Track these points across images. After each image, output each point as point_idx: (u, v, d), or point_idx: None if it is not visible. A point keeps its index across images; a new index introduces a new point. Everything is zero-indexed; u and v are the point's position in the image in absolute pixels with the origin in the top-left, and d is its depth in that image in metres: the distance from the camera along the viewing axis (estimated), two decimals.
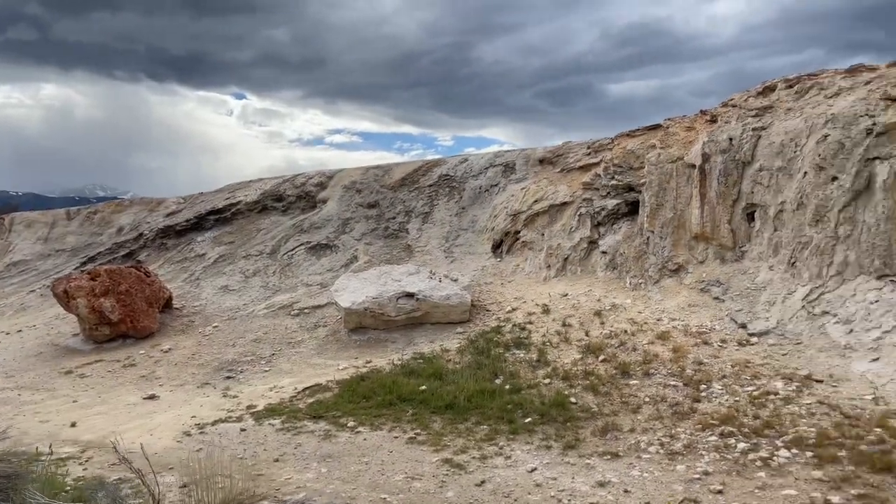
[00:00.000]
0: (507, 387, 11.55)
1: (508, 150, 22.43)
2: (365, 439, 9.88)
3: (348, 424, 10.50)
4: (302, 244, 21.25)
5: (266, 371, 14.37)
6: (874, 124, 12.78)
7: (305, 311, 17.44)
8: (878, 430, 8.35)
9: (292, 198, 23.90)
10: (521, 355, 12.99)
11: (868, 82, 14.16)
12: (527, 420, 10.15)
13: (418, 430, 10.08)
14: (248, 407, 11.81)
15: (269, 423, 10.77)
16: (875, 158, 12.51)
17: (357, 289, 15.87)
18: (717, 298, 13.81)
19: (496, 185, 21.06)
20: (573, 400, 10.70)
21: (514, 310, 15.55)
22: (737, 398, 9.96)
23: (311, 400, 11.93)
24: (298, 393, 12.41)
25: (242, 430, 10.57)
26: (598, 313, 14.38)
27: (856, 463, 7.58)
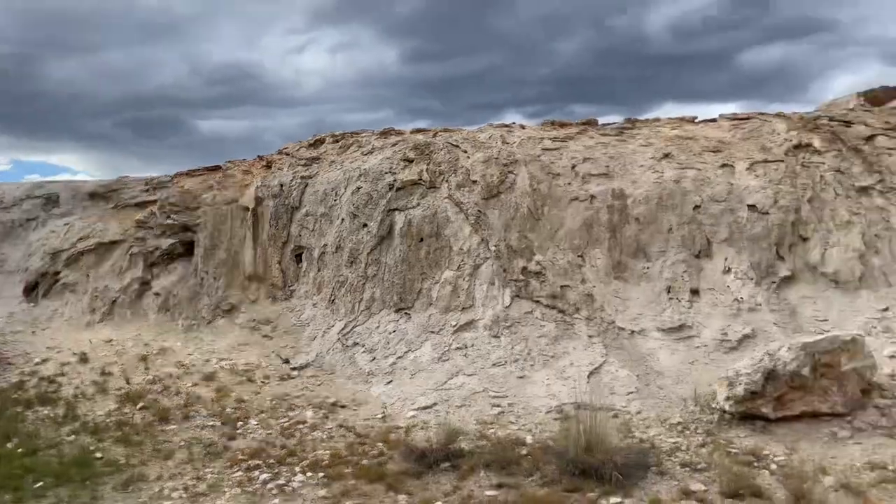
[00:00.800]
0: (21, 450, 10.02)
1: (52, 182, 20.02)
2: None
3: None
4: None
5: None
6: (395, 180, 14.99)
7: None
8: (381, 444, 9.57)
9: None
10: (46, 412, 11.47)
11: (395, 144, 16.58)
12: (38, 485, 8.91)
13: None
14: None
15: None
16: (395, 209, 14.63)
17: None
18: (266, 336, 14.34)
19: (35, 220, 18.52)
20: (99, 455, 9.79)
21: (44, 361, 13.71)
22: (269, 431, 10.38)
23: None
24: None
25: None
26: (144, 358, 13.60)
27: (357, 477, 8.52)
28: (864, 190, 13.35)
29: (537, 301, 12.81)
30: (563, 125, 17.38)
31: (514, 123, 17.77)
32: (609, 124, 17.74)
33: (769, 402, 8.70)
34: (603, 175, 14.48)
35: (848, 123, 14.97)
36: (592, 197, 14.04)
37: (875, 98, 18.59)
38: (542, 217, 14.03)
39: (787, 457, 7.91)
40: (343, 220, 15.06)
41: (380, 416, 10.83)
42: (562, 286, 12.91)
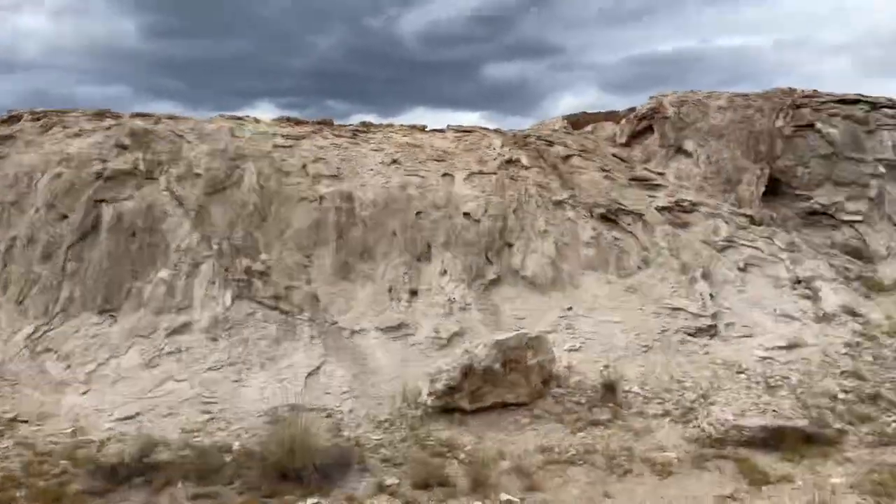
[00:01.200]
0: None
1: None
2: None
3: None
4: None
5: None
6: (105, 168, 13.60)
7: None
8: (66, 462, 8.58)
9: None
10: None
11: (109, 128, 15.05)
12: None
13: None
14: None
15: None
16: (103, 201, 13.26)
17: None
18: None
19: None
20: None
21: None
22: None
23: None
24: None
25: None
26: None
27: (31, 501, 7.55)
28: (559, 203, 15.18)
29: (260, 302, 12.48)
30: (298, 123, 17.25)
31: (247, 117, 17.19)
32: (345, 126, 18.01)
33: (466, 396, 9.45)
34: (333, 177, 14.63)
35: (551, 143, 16.96)
36: (322, 198, 14.10)
37: (577, 122, 21.34)
38: (269, 216, 13.75)
39: (474, 446, 8.66)
40: (38, 209, 13.25)
41: (70, 430, 9.69)
42: (286, 287, 12.74)
